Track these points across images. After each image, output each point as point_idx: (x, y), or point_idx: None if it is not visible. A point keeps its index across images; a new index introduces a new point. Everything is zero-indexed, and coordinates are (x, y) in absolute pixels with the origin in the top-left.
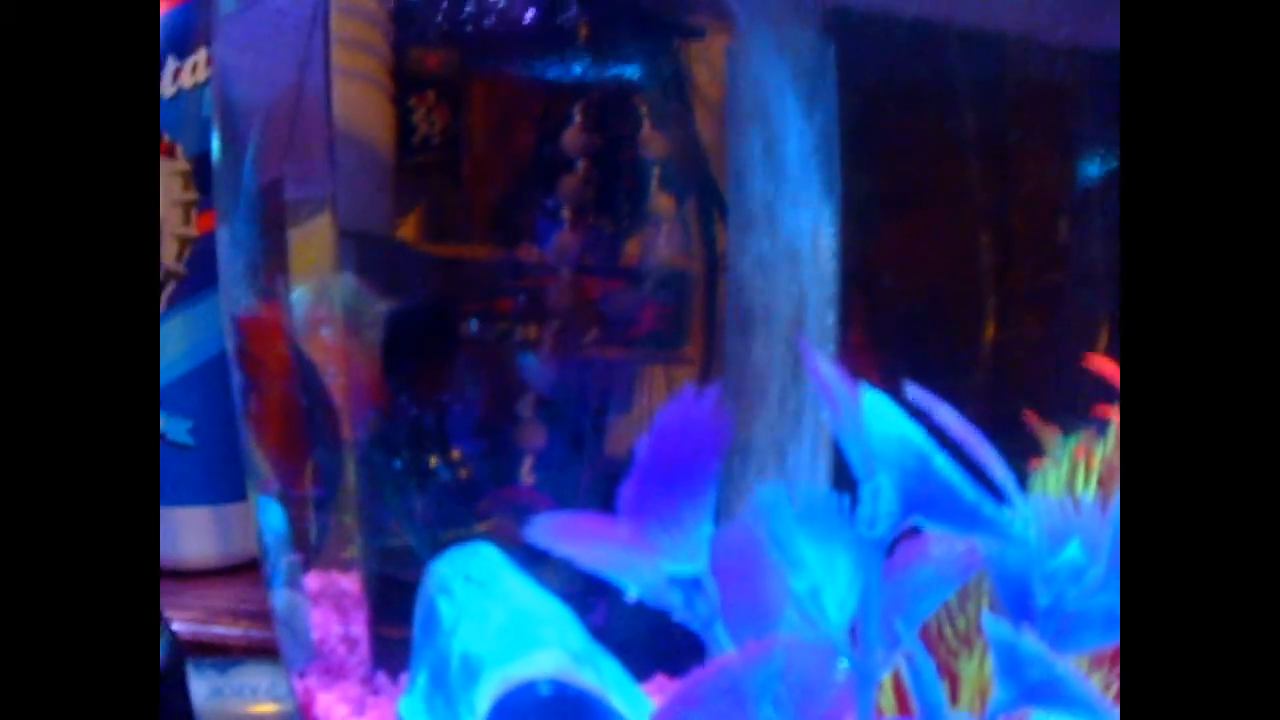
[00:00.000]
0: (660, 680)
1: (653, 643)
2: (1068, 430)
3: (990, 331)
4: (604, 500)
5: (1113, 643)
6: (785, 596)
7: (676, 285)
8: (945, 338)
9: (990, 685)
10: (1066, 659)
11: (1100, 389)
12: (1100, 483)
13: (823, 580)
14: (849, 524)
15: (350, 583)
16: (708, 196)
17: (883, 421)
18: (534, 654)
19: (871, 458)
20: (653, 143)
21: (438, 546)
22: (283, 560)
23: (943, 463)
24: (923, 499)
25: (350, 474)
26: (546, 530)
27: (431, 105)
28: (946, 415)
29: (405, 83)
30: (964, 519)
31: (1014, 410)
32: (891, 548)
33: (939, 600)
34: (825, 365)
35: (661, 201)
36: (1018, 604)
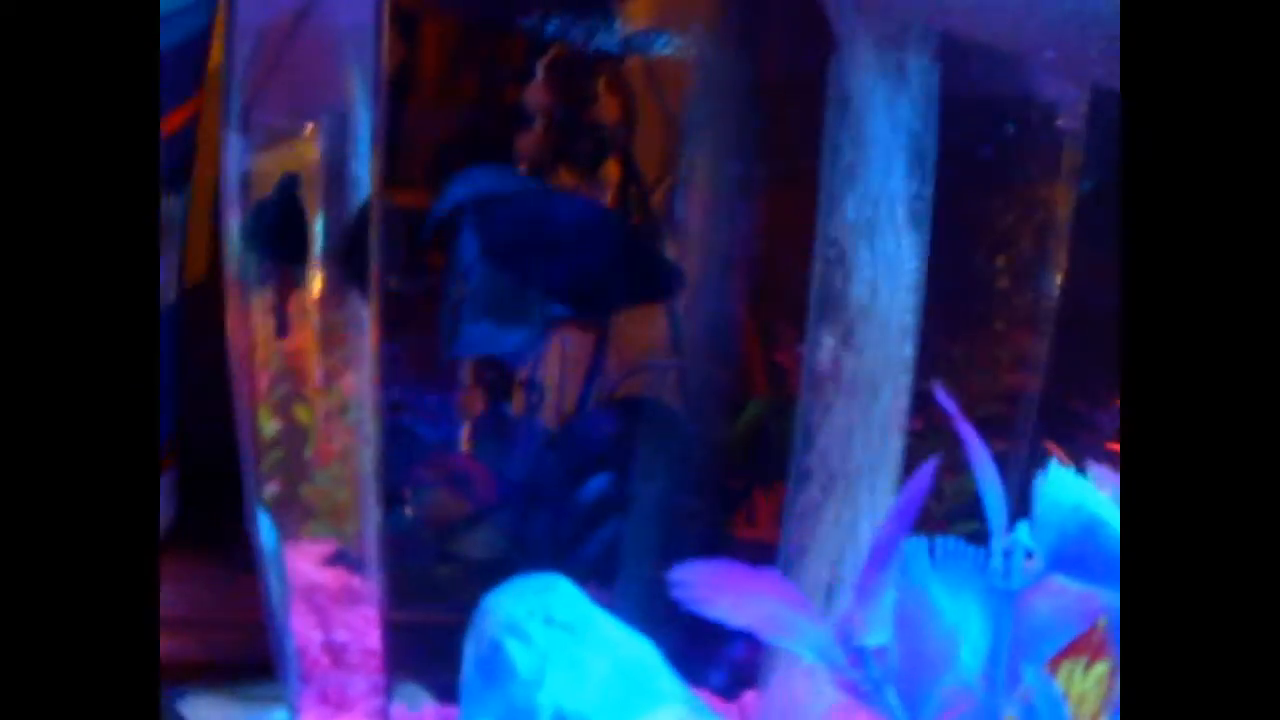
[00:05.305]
0: None
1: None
2: None
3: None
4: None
5: None
6: (954, 652)
7: None
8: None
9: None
10: None
11: None
12: None
13: (961, 628)
14: (982, 575)
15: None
16: None
17: (1058, 489)
18: (654, 712)
19: (1004, 509)
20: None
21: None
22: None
23: (1110, 533)
24: (1074, 560)
25: None
26: (692, 584)
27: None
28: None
29: None
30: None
31: None
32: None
33: (1060, 643)
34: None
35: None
36: None
